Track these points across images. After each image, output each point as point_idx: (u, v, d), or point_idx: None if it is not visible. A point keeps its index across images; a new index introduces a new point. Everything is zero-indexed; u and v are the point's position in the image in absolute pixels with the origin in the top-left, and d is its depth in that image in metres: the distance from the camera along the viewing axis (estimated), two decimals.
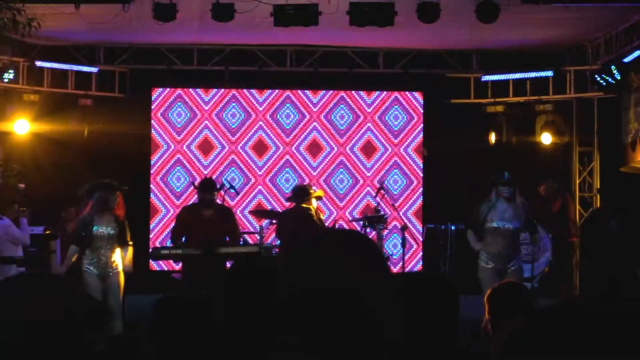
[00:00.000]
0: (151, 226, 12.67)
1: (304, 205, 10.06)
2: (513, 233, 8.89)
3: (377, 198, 11.76)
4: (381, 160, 13.00)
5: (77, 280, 8.95)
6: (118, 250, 8.93)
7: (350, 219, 12.30)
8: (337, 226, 12.20)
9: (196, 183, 10.33)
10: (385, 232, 11.53)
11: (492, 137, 12.91)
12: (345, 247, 1.86)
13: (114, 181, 9.02)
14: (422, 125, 13.02)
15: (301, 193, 10.22)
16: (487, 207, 8.94)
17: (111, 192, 8.90)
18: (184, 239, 9.64)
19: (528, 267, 11.38)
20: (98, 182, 9.05)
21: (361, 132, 13.02)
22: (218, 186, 9.98)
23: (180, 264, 10.21)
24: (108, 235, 8.86)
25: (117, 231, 8.88)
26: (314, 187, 10.66)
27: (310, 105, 13.02)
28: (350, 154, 13.00)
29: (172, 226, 10.23)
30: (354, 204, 12.92)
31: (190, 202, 10.51)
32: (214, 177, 12.42)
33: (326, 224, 11.03)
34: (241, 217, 12.49)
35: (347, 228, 11.96)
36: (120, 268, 8.92)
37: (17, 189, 10.32)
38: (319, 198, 10.44)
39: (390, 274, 1.90)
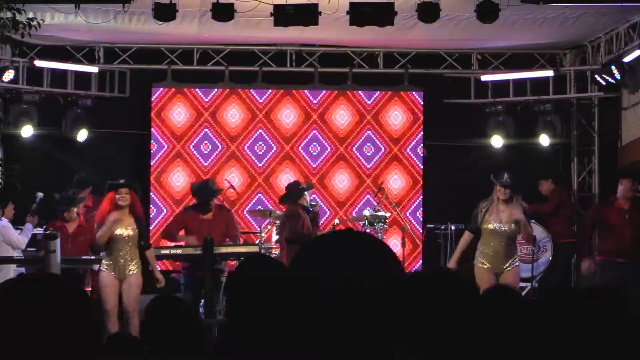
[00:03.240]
0: (151, 226, 12.65)
1: (291, 205, 10.15)
2: (510, 234, 8.90)
3: (377, 198, 11.76)
4: (381, 160, 13.00)
5: (96, 280, 9.01)
6: (137, 253, 8.98)
7: (349, 218, 12.29)
8: (335, 226, 12.16)
9: (194, 186, 10.29)
10: (385, 232, 11.53)
11: (492, 137, 12.91)
12: (358, 248, 1.85)
13: (120, 180, 9.06)
14: (422, 125, 13.01)
15: (290, 192, 10.31)
16: (486, 207, 8.97)
17: (117, 190, 8.93)
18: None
19: (528, 267, 11.40)
20: (110, 183, 9.12)
21: (361, 132, 13.01)
22: (215, 189, 9.92)
23: (181, 264, 10.21)
24: (127, 236, 8.88)
25: (137, 232, 8.90)
26: (303, 185, 10.63)
27: (310, 105, 13.01)
28: (350, 154, 12.99)
29: (167, 225, 10.24)
30: (354, 204, 12.91)
31: (191, 204, 10.49)
32: (214, 177, 12.44)
33: (317, 226, 10.93)
34: (241, 217, 12.48)
35: (353, 229, 11.92)
36: (137, 270, 8.94)
37: (17, 189, 10.30)
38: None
39: (402, 276, 1.90)
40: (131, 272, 8.87)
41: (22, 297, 2.02)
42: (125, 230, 8.88)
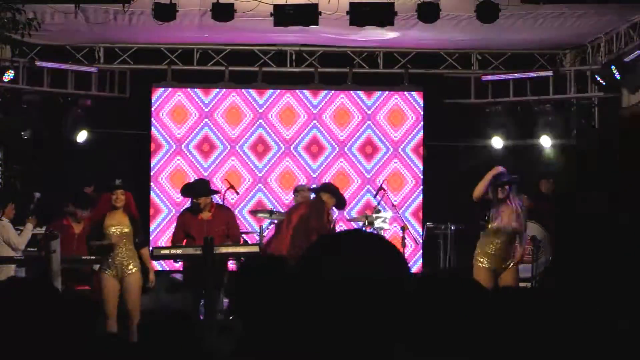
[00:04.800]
0: (151, 226, 12.66)
1: (312, 199, 10.14)
2: (512, 233, 8.89)
3: (377, 198, 11.76)
4: (381, 160, 13.00)
5: (97, 281, 8.98)
6: (134, 251, 8.94)
7: (349, 218, 12.29)
8: (336, 227, 12.16)
9: (188, 185, 10.20)
10: (385, 232, 11.53)
11: (492, 138, 12.91)
12: (367, 248, 1.86)
13: (115, 180, 9.03)
14: (422, 125, 13.01)
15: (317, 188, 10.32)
16: (490, 207, 8.98)
17: (112, 191, 8.91)
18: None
19: (528, 267, 11.40)
20: (105, 184, 9.11)
21: (361, 132, 13.01)
22: (201, 189, 9.73)
23: (181, 264, 10.19)
24: (122, 234, 8.86)
25: (131, 230, 8.88)
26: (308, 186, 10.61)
27: (310, 105, 13.02)
28: (350, 154, 12.99)
29: (172, 232, 10.19)
30: (354, 204, 12.90)
31: (189, 205, 10.45)
32: (214, 177, 12.45)
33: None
34: (241, 217, 12.48)
35: (349, 229, 11.92)
36: (136, 269, 8.90)
37: (17, 189, 10.32)
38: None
39: (411, 277, 1.90)
40: (130, 272, 8.85)
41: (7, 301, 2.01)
42: (120, 229, 8.87)
